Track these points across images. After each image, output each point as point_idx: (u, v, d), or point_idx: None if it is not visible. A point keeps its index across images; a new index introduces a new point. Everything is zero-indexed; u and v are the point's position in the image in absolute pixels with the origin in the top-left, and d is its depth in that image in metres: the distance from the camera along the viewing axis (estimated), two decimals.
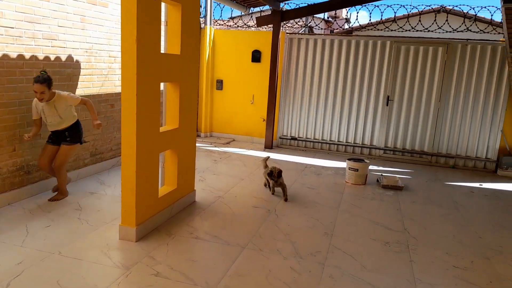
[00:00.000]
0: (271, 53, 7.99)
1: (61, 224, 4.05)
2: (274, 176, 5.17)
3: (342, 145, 8.18)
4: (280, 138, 8.56)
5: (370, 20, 8.27)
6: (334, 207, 5.02)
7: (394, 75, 7.69)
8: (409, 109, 7.74)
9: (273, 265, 3.46)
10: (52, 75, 4.91)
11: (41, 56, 4.75)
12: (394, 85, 7.73)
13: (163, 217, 4.22)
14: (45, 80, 4.34)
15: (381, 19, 8.15)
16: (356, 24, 8.36)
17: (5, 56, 4.31)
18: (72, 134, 4.70)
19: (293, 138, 8.47)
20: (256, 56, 8.50)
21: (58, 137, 4.65)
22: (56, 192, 4.80)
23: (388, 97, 7.76)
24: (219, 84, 8.92)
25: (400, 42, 7.60)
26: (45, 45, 4.79)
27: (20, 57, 4.49)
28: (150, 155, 3.89)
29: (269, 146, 8.28)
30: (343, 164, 7.03)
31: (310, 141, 8.37)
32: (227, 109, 8.96)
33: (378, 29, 8.61)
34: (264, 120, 8.50)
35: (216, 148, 8.04)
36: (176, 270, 3.29)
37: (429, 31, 7.84)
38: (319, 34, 8.47)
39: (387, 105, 7.79)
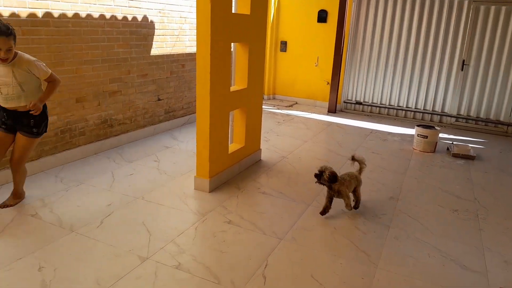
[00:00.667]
0: (338, 12, 7.74)
1: (142, 173, 4.43)
2: (324, 179, 3.48)
3: (411, 111, 7.90)
4: (344, 102, 8.43)
5: None
6: (400, 173, 4.97)
7: (471, 38, 7.16)
8: (485, 74, 7.23)
9: (338, 223, 3.57)
10: (129, 35, 5.21)
11: (119, 16, 5.01)
12: (470, 49, 7.22)
13: (232, 172, 4.46)
14: (11, 33, 2.99)
15: None
16: None
17: (89, 16, 4.61)
18: (38, 122, 3.34)
19: (358, 103, 8.31)
20: (322, 16, 8.29)
21: (16, 122, 3.30)
22: (8, 197, 3.57)
23: (464, 61, 7.28)
24: (283, 45, 8.86)
25: (479, 2, 7.00)
26: (123, 5, 5.04)
27: (102, 17, 4.77)
28: (221, 113, 4.07)
29: (332, 110, 8.21)
30: (410, 131, 6.84)
31: (376, 106, 8.17)
32: (291, 71, 8.93)
33: None
34: (328, 83, 8.39)
35: (279, 111, 8.13)
36: (246, 219, 3.51)
37: None
38: None
39: (462, 69, 7.33)
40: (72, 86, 4.51)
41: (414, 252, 3.19)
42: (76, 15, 4.43)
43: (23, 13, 3.87)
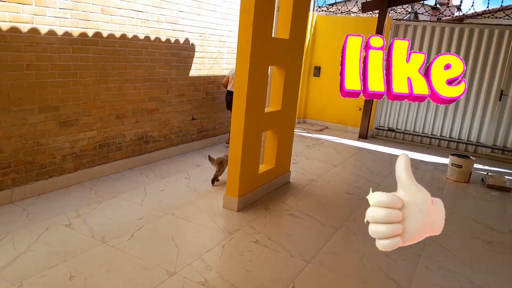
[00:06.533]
0: None
1: (173, 189, 4.55)
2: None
3: (445, 140, 7.73)
4: (376, 128, 8.37)
5: (488, 7, 7.59)
6: None
7: (511, 68, 7.02)
8: None
9: (367, 250, 3.52)
10: (171, 56, 5.44)
11: (163, 39, 5.26)
12: (510, 79, 7.06)
13: (261, 193, 4.50)
14: None
15: (501, 5, 7.43)
16: (471, 11, 7.72)
17: (135, 37, 4.86)
18: None
19: (390, 130, 8.23)
20: None
21: None
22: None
23: (502, 91, 7.11)
24: (317, 70, 8.96)
25: None
26: (168, 28, 5.29)
27: (147, 38, 5.02)
28: (254, 134, 4.16)
29: (363, 136, 8.16)
30: (444, 160, 6.69)
31: (409, 134, 8.05)
32: (323, 96, 8.97)
33: (496, 17, 7.87)
34: (360, 109, 8.37)
35: (309, 134, 8.16)
36: (274, 240, 3.53)
37: None
38: (428, 21, 8.03)
39: (500, 100, 7.16)
40: (114, 103, 4.74)
41: (446, 282, 3.10)
42: (123, 36, 4.68)
43: (75, 32, 4.14)
